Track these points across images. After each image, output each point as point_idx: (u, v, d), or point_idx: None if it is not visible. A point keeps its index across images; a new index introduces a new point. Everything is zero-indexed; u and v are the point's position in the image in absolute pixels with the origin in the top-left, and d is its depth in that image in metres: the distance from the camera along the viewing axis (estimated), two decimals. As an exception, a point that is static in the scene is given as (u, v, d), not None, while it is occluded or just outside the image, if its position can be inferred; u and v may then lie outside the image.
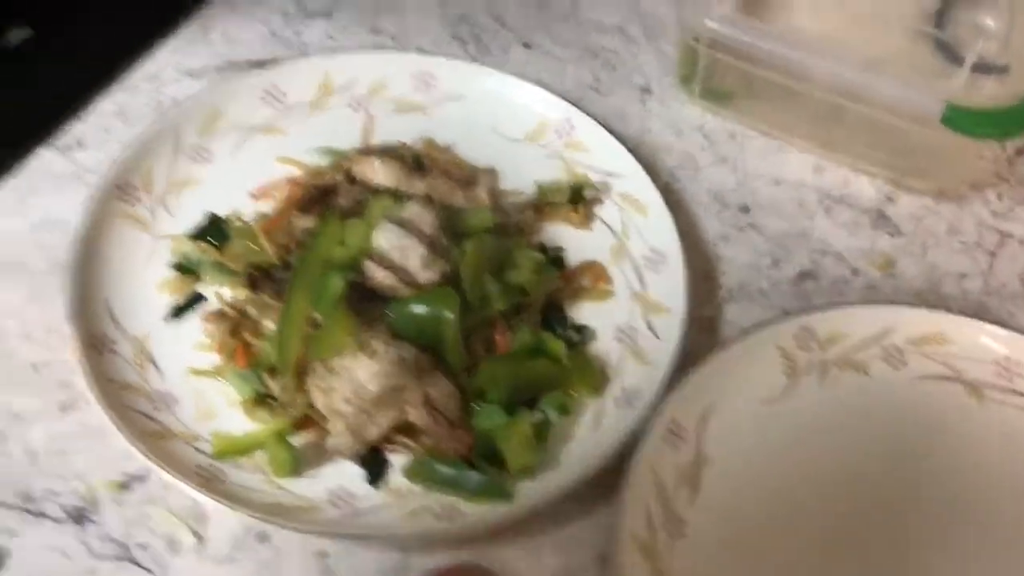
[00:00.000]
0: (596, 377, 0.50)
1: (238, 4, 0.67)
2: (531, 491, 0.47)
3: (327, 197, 0.54)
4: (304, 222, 0.52)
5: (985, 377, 0.52)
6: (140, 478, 0.48)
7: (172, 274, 0.53)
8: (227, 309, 0.51)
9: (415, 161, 0.56)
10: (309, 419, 0.48)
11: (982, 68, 0.58)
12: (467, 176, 0.56)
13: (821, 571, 0.47)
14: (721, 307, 0.55)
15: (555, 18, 0.68)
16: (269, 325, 0.50)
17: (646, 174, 0.58)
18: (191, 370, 0.50)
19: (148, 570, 0.46)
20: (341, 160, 0.56)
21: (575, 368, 0.50)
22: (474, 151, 0.60)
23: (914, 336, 0.53)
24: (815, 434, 0.50)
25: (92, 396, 0.48)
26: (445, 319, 0.48)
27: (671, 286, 0.53)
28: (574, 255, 0.56)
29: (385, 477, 0.48)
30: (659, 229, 0.56)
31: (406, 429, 0.48)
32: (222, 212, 0.56)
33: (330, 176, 0.55)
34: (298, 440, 0.48)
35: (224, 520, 0.47)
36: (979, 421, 0.51)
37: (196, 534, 0.47)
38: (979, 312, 0.55)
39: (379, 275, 0.49)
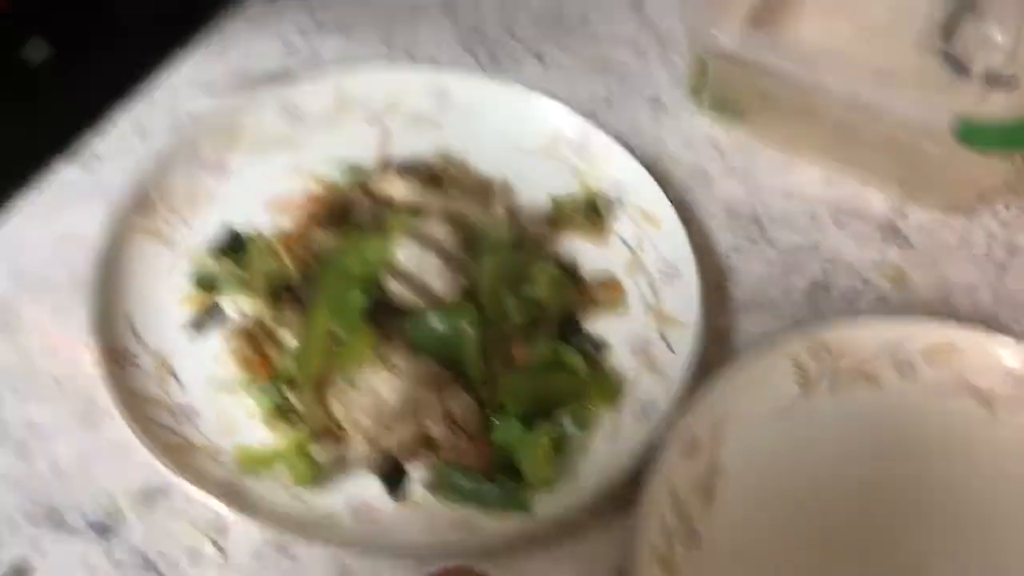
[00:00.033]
0: (612, 390, 0.51)
1: (254, 19, 0.68)
2: (549, 504, 0.47)
3: (347, 213, 0.54)
4: (324, 237, 0.53)
5: (996, 388, 0.52)
6: (162, 491, 0.49)
7: (193, 288, 0.54)
8: (248, 323, 0.52)
9: (432, 176, 0.57)
10: (330, 431, 0.49)
11: (990, 80, 0.59)
12: (483, 190, 0.57)
13: (835, 582, 0.47)
14: (733, 318, 0.56)
15: (567, 31, 0.69)
16: (290, 339, 0.51)
17: (660, 188, 0.58)
18: (212, 383, 0.51)
19: (171, 582, 0.46)
20: (359, 175, 0.57)
21: (592, 381, 0.51)
22: (488, 164, 0.60)
23: (925, 348, 0.53)
24: (828, 444, 0.51)
25: (115, 410, 0.49)
26: (465, 334, 0.49)
27: (685, 299, 0.54)
28: (589, 268, 0.56)
29: (405, 490, 0.48)
30: (673, 242, 0.56)
31: (426, 442, 0.49)
32: (240, 225, 0.56)
33: (349, 192, 0.56)
34: (319, 453, 0.49)
35: (245, 532, 0.47)
36: (991, 432, 0.51)
37: (217, 546, 0.47)
38: (990, 324, 0.56)
39: (399, 290, 0.50)
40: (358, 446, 0.48)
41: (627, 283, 0.56)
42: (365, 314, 0.49)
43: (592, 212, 0.58)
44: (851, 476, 0.50)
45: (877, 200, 0.62)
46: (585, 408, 0.50)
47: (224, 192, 0.58)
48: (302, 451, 0.48)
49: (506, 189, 0.58)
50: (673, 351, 0.52)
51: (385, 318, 0.50)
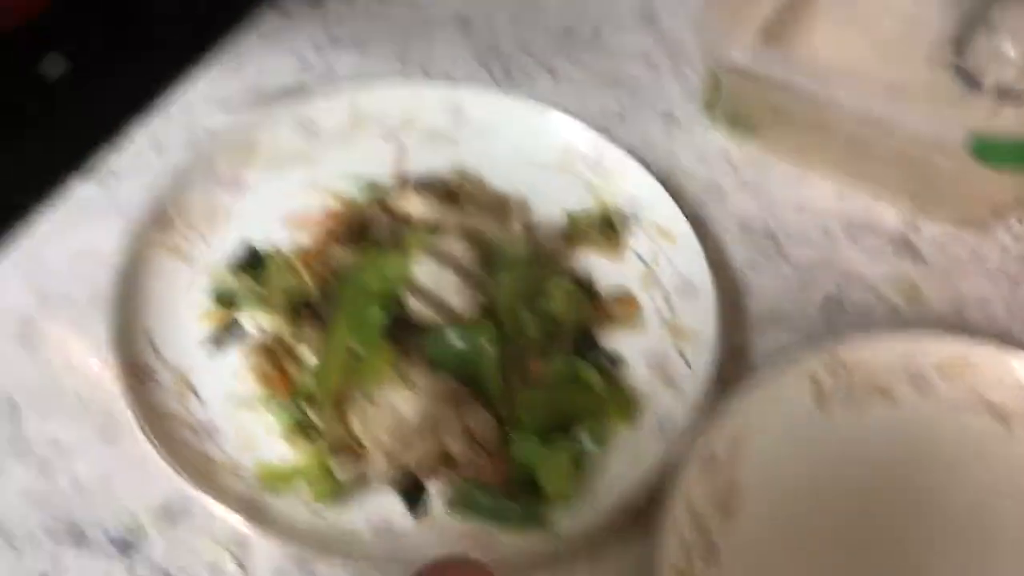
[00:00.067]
0: (630, 405, 0.51)
1: (269, 34, 0.68)
2: (568, 520, 0.47)
3: (365, 229, 0.55)
4: (342, 254, 0.53)
5: (1011, 403, 0.53)
6: (184, 507, 0.49)
7: (212, 304, 0.54)
8: (267, 339, 0.52)
9: (449, 192, 0.57)
10: (349, 448, 0.49)
11: (1002, 94, 0.60)
12: (500, 206, 0.57)
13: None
14: (748, 333, 0.56)
15: (579, 46, 0.69)
16: (309, 355, 0.51)
17: (675, 203, 0.59)
18: (232, 400, 0.51)
19: (193, 598, 0.47)
20: (377, 192, 0.57)
21: (609, 397, 0.51)
22: (503, 180, 0.60)
23: (939, 363, 0.53)
24: (844, 460, 0.51)
25: (136, 426, 0.49)
26: (483, 350, 0.49)
27: (702, 314, 0.54)
28: (604, 283, 0.57)
29: (425, 506, 0.49)
30: (688, 258, 0.56)
31: (445, 459, 0.49)
32: (258, 241, 0.57)
33: (367, 208, 0.56)
34: (339, 469, 0.49)
35: (266, 548, 0.48)
36: (1007, 448, 0.52)
37: (238, 562, 0.48)
38: (1004, 338, 0.56)
39: (417, 306, 0.50)
40: (378, 463, 0.48)
41: (643, 298, 0.56)
42: (384, 331, 0.49)
43: (607, 227, 0.58)
44: (868, 491, 0.51)
45: (890, 214, 0.62)
46: (602, 424, 0.50)
47: (241, 208, 0.58)
48: (322, 468, 0.48)
49: (522, 205, 0.59)
50: (690, 367, 0.52)
51: (404, 334, 0.50)
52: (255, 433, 0.50)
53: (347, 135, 0.62)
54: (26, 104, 0.61)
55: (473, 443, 0.48)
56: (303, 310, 0.52)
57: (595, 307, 0.55)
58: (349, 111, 0.62)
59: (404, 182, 0.58)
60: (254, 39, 0.68)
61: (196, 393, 0.52)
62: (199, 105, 0.64)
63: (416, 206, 0.55)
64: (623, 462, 0.50)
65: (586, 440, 0.50)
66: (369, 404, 0.48)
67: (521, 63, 0.68)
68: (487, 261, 0.53)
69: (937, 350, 0.54)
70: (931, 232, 0.61)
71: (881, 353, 0.54)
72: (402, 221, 0.55)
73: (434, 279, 0.51)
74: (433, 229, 0.53)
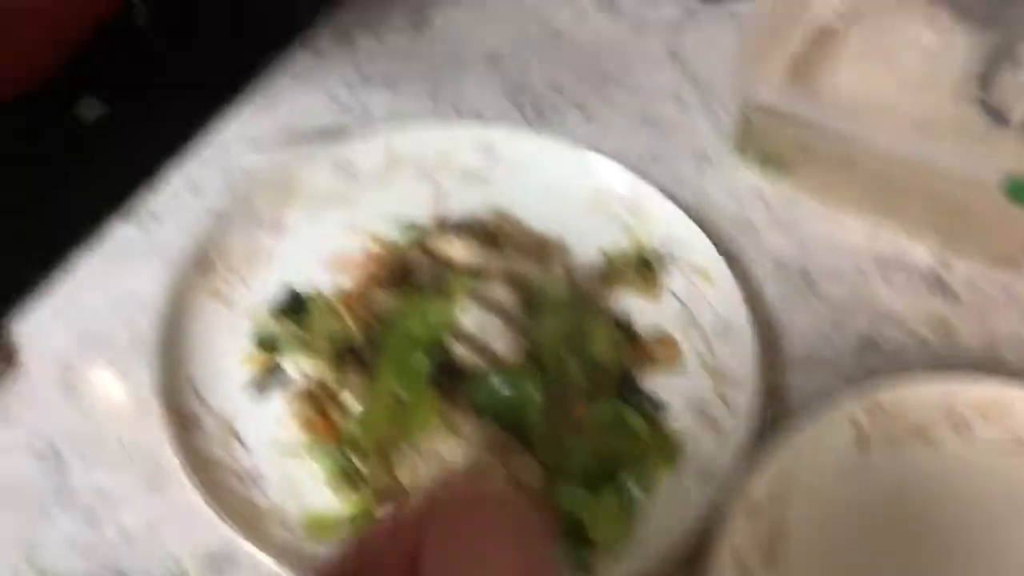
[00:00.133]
0: (673, 451, 0.51)
1: (300, 74, 0.68)
2: (614, 567, 0.47)
3: (407, 273, 0.55)
4: (385, 298, 0.53)
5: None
6: (229, 555, 0.49)
7: (254, 349, 0.55)
8: (312, 386, 0.52)
9: (488, 234, 0.57)
10: (395, 496, 0.49)
11: (1029, 130, 0.60)
12: (539, 248, 0.57)
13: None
14: (786, 374, 0.57)
15: (610, 84, 0.70)
16: (352, 401, 0.51)
17: (711, 243, 0.59)
18: (276, 446, 0.51)
19: (241, 647, 0.47)
20: (417, 235, 0.58)
21: (652, 442, 0.51)
22: (538, 220, 0.61)
23: (977, 404, 0.54)
24: (887, 503, 0.51)
25: (183, 474, 0.49)
26: (529, 397, 0.49)
27: (741, 356, 0.54)
28: (642, 324, 0.57)
29: (471, 553, 0.49)
30: (726, 298, 0.57)
31: (491, 506, 0.49)
32: (298, 284, 0.57)
33: (408, 251, 0.56)
34: (385, 517, 0.49)
35: (313, 596, 0.48)
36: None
37: (285, 610, 0.48)
38: (1041, 379, 0.56)
39: (462, 353, 0.50)
40: (425, 510, 0.48)
41: (681, 339, 0.56)
42: (430, 378, 0.49)
43: (643, 267, 0.59)
44: (910, 533, 0.51)
45: (921, 252, 0.62)
46: (646, 470, 0.51)
47: (281, 250, 0.59)
48: (368, 516, 0.49)
49: (560, 246, 0.59)
50: (730, 409, 0.53)
51: (448, 381, 0.50)
52: (300, 480, 0.50)
53: (383, 176, 0.62)
54: (63, 147, 0.62)
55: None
56: (346, 355, 0.52)
57: (635, 349, 0.56)
58: (385, 152, 0.62)
59: (443, 224, 0.58)
60: (286, 78, 0.68)
61: (240, 440, 0.52)
62: (234, 146, 0.65)
63: (458, 250, 0.55)
64: (668, 508, 0.50)
65: (631, 486, 0.50)
66: (415, 452, 0.49)
67: (552, 101, 0.69)
68: (529, 304, 0.53)
69: (974, 392, 0.54)
70: (963, 270, 0.62)
71: (919, 395, 0.54)
72: (443, 264, 0.55)
73: (479, 325, 0.51)
74: (476, 274, 0.54)
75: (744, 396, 0.53)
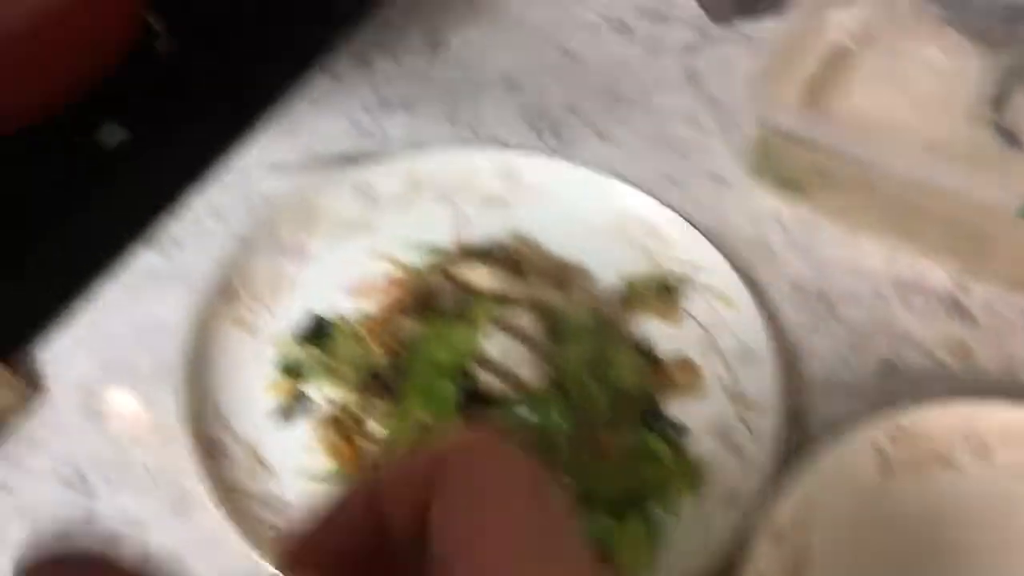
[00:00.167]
0: (696, 476, 0.52)
1: (319, 99, 0.69)
2: (641, 594, 0.48)
3: (430, 299, 0.55)
4: (409, 324, 0.54)
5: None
6: (257, 582, 0.49)
7: (279, 376, 0.55)
8: (337, 412, 0.53)
9: (509, 260, 0.58)
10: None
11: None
12: (560, 273, 0.58)
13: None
14: (806, 398, 0.57)
15: (627, 107, 0.70)
16: (379, 428, 0.52)
17: (731, 267, 0.59)
18: (302, 473, 0.52)
19: (270, 675, 0.47)
20: (439, 260, 0.58)
21: (676, 468, 0.52)
22: (559, 245, 0.61)
23: (998, 429, 0.54)
24: (910, 528, 0.52)
25: (210, 501, 0.49)
26: (555, 424, 0.49)
27: (762, 381, 0.55)
28: (663, 349, 0.57)
29: (497, 580, 0.49)
30: (746, 322, 0.57)
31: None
32: (323, 311, 0.57)
33: (430, 277, 0.57)
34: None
35: (340, 623, 0.48)
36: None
37: (312, 637, 0.48)
38: (1060, 402, 0.57)
39: (487, 379, 0.51)
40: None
41: (702, 364, 0.57)
42: (457, 404, 0.50)
43: (664, 291, 0.59)
44: (933, 558, 0.51)
45: (940, 276, 0.63)
46: (670, 495, 0.51)
47: (305, 277, 0.59)
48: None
49: (582, 271, 0.59)
50: (753, 435, 0.53)
51: (473, 407, 0.51)
52: (327, 507, 0.51)
53: (404, 200, 0.62)
54: (86, 173, 0.62)
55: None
56: (371, 381, 0.53)
57: (656, 374, 0.56)
58: (406, 177, 0.63)
59: (465, 250, 0.59)
60: (304, 103, 0.69)
61: (266, 466, 0.52)
62: (254, 171, 0.65)
63: (482, 277, 0.55)
64: (692, 534, 0.50)
65: (656, 512, 0.50)
66: (441, 478, 0.49)
67: (569, 123, 0.69)
68: (553, 331, 0.53)
69: (994, 416, 0.54)
70: (981, 293, 0.62)
71: (940, 420, 0.54)
72: (467, 290, 0.55)
73: (504, 352, 0.51)
74: (500, 300, 0.54)
75: (766, 421, 0.53)
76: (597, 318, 0.55)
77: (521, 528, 0.28)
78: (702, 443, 0.53)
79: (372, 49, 0.72)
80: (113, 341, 0.57)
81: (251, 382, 0.55)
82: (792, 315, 0.61)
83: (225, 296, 0.57)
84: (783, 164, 0.65)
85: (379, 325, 0.54)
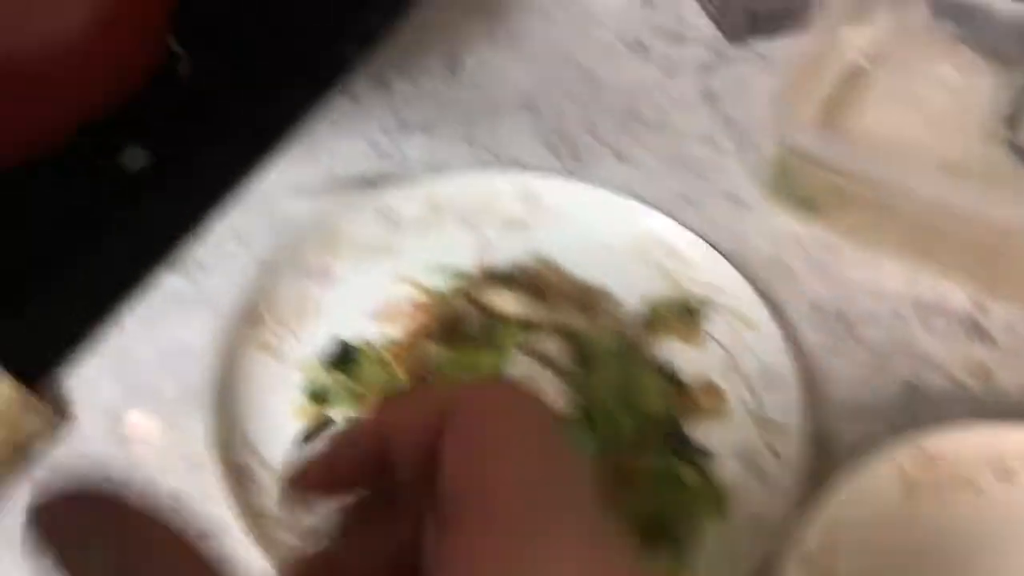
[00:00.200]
0: (723, 501, 0.52)
1: (339, 121, 0.69)
2: (670, 620, 0.48)
3: (456, 324, 0.55)
4: (435, 349, 0.54)
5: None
6: (286, 609, 0.49)
7: (305, 401, 0.55)
8: (364, 438, 0.53)
9: (532, 284, 0.58)
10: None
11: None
12: (584, 296, 0.58)
13: None
14: (829, 421, 0.57)
15: (645, 128, 0.70)
16: (406, 455, 0.52)
17: (752, 288, 0.60)
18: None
19: None
20: (463, 285, 0.58)
21: (703, 493, 0.52)
22: (580, 267, 0.61)
23: (1021, 452, 0.54)
24: (935, 551, 0.52)
25: (237, 526, 0.50)
26: (583, 451, 0.50)
27: (786, 403, 0.55)
28: (686, 372, 0.57)
29: (527, 606, 0.49)
30: (768, 344, 0.57)
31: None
32: (349, 336, 0.57)
33: (455, 301, 0.57)
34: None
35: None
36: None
37: (343, 664, 0.48)
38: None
39: (514, 407, 0.51)
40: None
41: (725, 387, 0.57)
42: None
43: (686, 314, 0.59)
44: (957, 582, 0.52)
45: (959, 297, 0.63)
46: (697, 520, 0.51)
47: (330, 301, 0.59)
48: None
49: (605, 295, 0.59)
50: (778, 458, 0.53)
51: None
52: (355, 533, 0.51)
53: (425, 224, 0.63)
54: (109, 197, 0.62)
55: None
56: (398, 408, 0.53)
57: (680, 397, 0.56)
58: (426, 200, 0.63)
59: (489, 274, 0.59)
60: (324, 125, 0.69)
61: (295, 492, 0.52)
62: (275, 194, 0.65)
63: (507, 302, 0.55)
64: (719, 559, 0.50)
65: (683, 537, 0.51)
66: (470, 505, 0.49)
67: (587, 144, 0.69)
68: (579, 356, 0.54)
69: (1017, 439, 0.55)
70: (1000, 314, 0.62)
71: (964, 443, 0.54)
72: (492, 315, 0.56)
73: (530, 377, 0.51)
74: (526, 325, 0.54)
75: (791, 444, 0.53)
76: (622, 342, 0.56)
77: (535, 471, 0.28)
78: (727, 467, 0.54)
79: (390, 71, 0.72)
80: (138, 366, 0.57)
81: (278, 407, 0.55)
82: (812, 336, 0.61)
83: (250, 321, 0.57)
84: (801, 184, 0.66)
85: (405, 350, 0.55)
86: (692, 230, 0.63)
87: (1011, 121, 0.67)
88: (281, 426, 0.54)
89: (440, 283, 0.59)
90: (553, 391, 0.51)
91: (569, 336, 0.54)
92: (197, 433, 0.53)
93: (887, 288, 0.63)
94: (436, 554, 0.28)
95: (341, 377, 0.55)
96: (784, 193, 0.66)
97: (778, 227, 0.66)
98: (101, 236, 0.61)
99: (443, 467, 0.28)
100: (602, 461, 0.51)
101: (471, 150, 0.69)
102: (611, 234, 0.63)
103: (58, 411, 0.55)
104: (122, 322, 0.59)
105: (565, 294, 0.58)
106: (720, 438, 0.55)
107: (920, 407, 0.58)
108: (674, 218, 0.63)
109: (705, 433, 0.55)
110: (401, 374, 0.54)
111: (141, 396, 0.56)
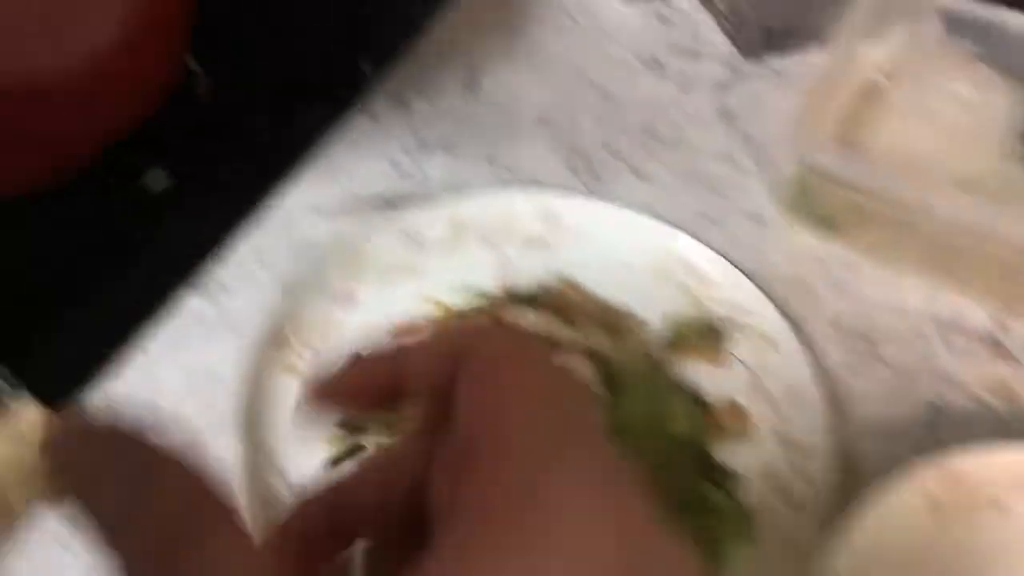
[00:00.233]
0: (752, 524, 0.52)
1: (358, 140, 0.69)
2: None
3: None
4: (461, 374, 0.54)
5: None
6: (317, 634, 0.49)
7: (334, 427, 0.55)
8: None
9: (556, 304, 0.58)
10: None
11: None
12: (606, 316, 0.58)
13: None
14: (853, 441, 0.57)
15: (664, 146, 0.70)
16: (435, 479, 0.52)
17: (775, 308, 0.60)
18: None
19: None
20: (487, 305, 0.58)
21: (731, 515, 0.52)
22: (601, 286, 0.61)
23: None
24: (963, 573, 0.52)
25: (268, 554, 0.50)
26: (613, 476, 0.50)
27: (811, 424, 0.55)
28: (710, 393, 0.57)
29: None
30: (792, 364, 0.57)
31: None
32: (371, 358, 0.57)
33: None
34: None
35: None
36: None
37: None
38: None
39: (544, 431, 0.51)
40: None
41: (749, 407, 0.57)
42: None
43: (709, 334, 0.59)
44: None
45: (979, 315, 0.63)
46: (726, 544, 0.51)
47: (354, 323, 0.59)
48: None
49: (629, 314, 0.60)
50: (805, 480, 0.53)
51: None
52: (386, 560, 0.51)
53: (448, 244, 0.63)
54: (132, 219, 0.62)
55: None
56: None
57: (706, 418, 0.56)
58: (448, 220, 0.63)
59: (512, 294, 0.59)
60: (343, 145, 0.69)
61: (324, 518, 0.52)
62: (297, 214, 0.65)
63: (532, 322, 0.55)
64: (749, 582, 0.51)
65: (713, 564, 0.51)
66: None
67: (605, 162, 0.69)
68: (605, 378, 0.54)
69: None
70: (1020, 332, 0.62)
71: (989, 463, 0.54)
72: (518, 339, 0.56)
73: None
74: (551, 346, 0.54)
75: (818, 466, 0.53)
76: (648, 364, 0.56)
77: (546, 415, 0.28)
78: (754, 489, 0.54)
79: (408, 90, 0.72)
80: (162, 388, 0.57)
81: (307, 434, 0.55)
82: (834, 355, 0.61)
83: (276, 343, 0.57)
84: (820, 203, 0.66)
85: (432, 374, 0.55)
86: (713, 249, 0.63)
87: (1026, 137, 0.67)
88: (309, 451, 0.54)
89: (463, 303, 0.59)
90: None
91: (594, 357, 0.54)
92: (223, 457, 0.53)
93: (908, 306, 0.63)
94: (450, 495, 0.28)
95: (368, 400, 0.55)
96: (804, 212, 0.66)
97: (798, 245, 0.66)
98: (125, 259, 0.61)
99: (457, 413, 0.28)
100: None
101: (491, 169, 0.69)
102: (632, 253, 0.63)
103: (84, 435, 0.55)
104: (146, 345, 0.59)
105: (588, 314, 0.58)
106: (745, 459, 0.55)
107: (943, 426, 0.58)
108: (695, 237, 0.63)
109: (730, 454, 0.55)
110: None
111: (165, 419, 0.56)
